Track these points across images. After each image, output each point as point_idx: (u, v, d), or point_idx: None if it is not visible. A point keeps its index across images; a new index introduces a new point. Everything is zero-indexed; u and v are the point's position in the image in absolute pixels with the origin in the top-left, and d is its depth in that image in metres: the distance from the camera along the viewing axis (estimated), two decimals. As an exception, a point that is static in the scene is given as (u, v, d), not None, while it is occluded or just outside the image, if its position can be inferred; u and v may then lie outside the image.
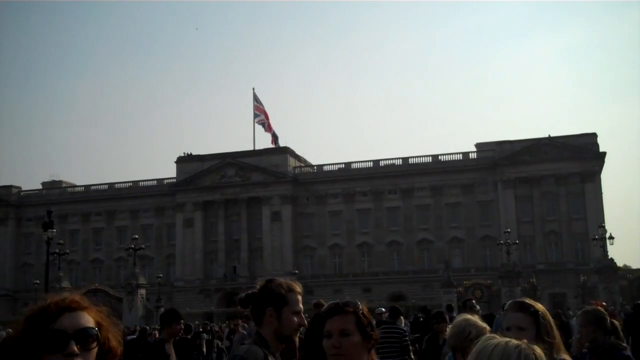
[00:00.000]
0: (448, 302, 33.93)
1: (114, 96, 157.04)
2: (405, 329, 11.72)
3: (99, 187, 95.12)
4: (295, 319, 3.59)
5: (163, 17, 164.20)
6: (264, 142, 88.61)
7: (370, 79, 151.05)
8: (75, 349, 1.89)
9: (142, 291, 49.52)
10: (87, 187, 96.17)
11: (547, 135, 78.09)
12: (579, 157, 76.33)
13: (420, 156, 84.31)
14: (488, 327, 5.08)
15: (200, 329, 29.89)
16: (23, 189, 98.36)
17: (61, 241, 56.80)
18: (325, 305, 3.02)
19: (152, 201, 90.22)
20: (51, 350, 1.88)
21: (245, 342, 3.75)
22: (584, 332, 5.96)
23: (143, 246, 55.37)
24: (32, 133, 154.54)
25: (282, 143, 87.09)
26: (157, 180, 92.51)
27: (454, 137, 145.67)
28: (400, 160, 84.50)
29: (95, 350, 1.95)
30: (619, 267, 55.93)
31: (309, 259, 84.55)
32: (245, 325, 22.99)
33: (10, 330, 11.42)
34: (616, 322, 6.08)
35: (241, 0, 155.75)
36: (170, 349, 7.51)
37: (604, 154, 76.83)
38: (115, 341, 2.05)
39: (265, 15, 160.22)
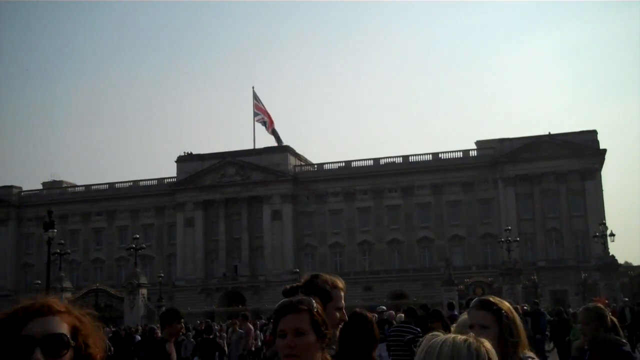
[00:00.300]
0: (449, 300, 34.02)
1: (113, 96, 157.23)
2: (418, 329, 11.71)
3: (99, 186, 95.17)
4: (338, 314, 3.70)
5: (162, 16, 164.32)
6: (264, 141, 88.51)
7: (371, 77, 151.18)
8: (40, 356, 1.77)
9: (144, 291, 49.48)
10: (87, 187, 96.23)
11: (547, 133, 78.13)
12: (579, 154, 76.35)
13: (420, 154, 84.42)
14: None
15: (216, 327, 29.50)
16: (24, 189, 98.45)
17: (62, 241, 56.79)
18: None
19: (153, 201, 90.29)
20: (16, 358, 1.77)
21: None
22: (586, 329, 5.97)
23: (144, 246, 55.45)
24: (32, 133, 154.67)
25: (283, 141, 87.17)
26: (158, 179, 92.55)
27: (455, 135, 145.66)
28: (401, 158, 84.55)
29: (68, 356, 1.83)
30: (620, 264, 56.05)
31: (310, 258, 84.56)
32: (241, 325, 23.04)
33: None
34: (615, 319, 6.10)
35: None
36: (171, 348, 7.52)
37: (604, 151, 76.85)
38: (96, 347, 1.93)
39: (265, 14, 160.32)
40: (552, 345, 25.64)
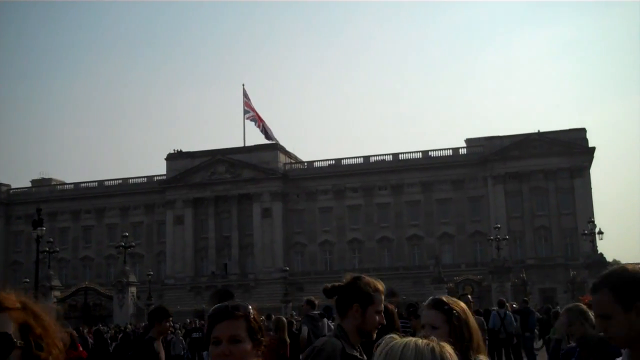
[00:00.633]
0: (439, 298, 34.00)
1: (103, 94, 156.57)
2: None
3: (88, 184, 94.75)
4: (377, 317, 3.85)
5: (153, 15, 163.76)
6: (254, 138, 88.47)
7: (360, 75, 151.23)
8: None
9: (133, 289, 49.38)
10: (76, 184, 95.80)
11: (536, 131, 78.32)
12: (568, 152, 76.64)
13: (410, 152, 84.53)
14: (484, 322, 5.08)
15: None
16: (12, 186, 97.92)
17: (51, 239, 56.28)
18: (213, 307, 2.80)
19: (142, 198, 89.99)
20: None
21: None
22: (574, 329, 6.01)
23: (133, 244, 55.26)
24: (22, 131, 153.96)
25: (273, 138, 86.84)
26: (147, 177, 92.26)
27: (444, 133, 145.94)
28: (391, 156, 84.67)
29: (15, 357, 1.69)
30: (609, 262, 56.20)
31: (300, 256, 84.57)
32: None
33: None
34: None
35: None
36: (160, 347, 7.47)
37: (593, 149, 77.14)
38: (51, 347, 1.77)
39: (254, 12, 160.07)
40: (541, 343, 25.74)
